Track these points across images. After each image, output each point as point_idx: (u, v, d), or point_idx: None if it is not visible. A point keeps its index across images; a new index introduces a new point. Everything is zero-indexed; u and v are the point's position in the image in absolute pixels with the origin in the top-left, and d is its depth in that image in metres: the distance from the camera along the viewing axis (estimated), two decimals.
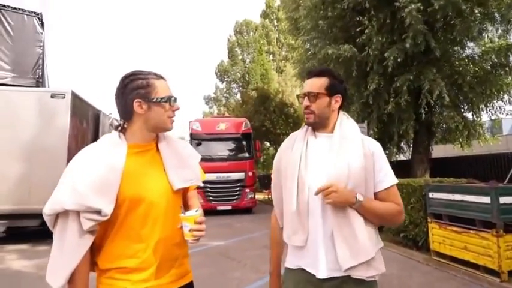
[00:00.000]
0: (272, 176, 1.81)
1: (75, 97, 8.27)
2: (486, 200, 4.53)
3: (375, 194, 1.57)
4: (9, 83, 9.12)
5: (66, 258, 1.27)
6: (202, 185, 1.68)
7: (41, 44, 10.47)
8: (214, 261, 6.26)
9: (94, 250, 1.39)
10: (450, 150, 13.05)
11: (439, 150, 12.44)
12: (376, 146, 1.62)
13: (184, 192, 1.61)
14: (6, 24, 9.87)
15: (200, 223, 1.40)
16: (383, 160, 1.61)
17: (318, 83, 1.63)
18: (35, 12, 10.63)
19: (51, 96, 7.92)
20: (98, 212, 1.28)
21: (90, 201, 1.27)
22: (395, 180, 1.60)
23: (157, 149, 1.50)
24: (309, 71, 1.73)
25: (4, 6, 9.94)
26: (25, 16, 10.42)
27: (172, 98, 1.47)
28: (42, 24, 10.68)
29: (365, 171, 1.53)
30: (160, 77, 1.49)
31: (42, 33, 10.60)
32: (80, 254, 1.28)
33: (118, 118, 1.51)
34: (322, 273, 1.50)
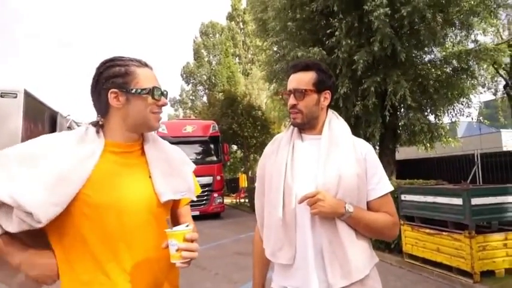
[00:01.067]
0: (256, 184, 1.61)
1: (28, 96, 7.60)
2: (458, 201, 4.56)
3: (367, 202, 1.40)
4: None
5: None
6: (195, 199, 1.39)
7: None
8: (182, 272, 5.82)
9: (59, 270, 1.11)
10: (411, 152, 13.48)
11: (400, 153, 12.80)
12: (368, 149, 1.46)
13: (173, 207, 1.33)
14: None
15: (191, 241, 1.11)
16: (376, 165, 1.44)
17: (305, 78, 1.44)
18: None
19: (1, 96, 7.20)
20: (31, 215, 1.00)
21: (24, 197, 0.98)
22: (390, 188, 1.44)
23: (143, 152, 1.24)
24: (293, 65, 1.51)
25: None
26: None
27: (157, 90, 1.20)
28: None
29: (357, 179, 1.36)
30: (144, 65, 1.23)
31: None
32: None
33: (77, 119, 1.24)
34: None
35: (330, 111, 1.52)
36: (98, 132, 1.18)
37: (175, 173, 1.28)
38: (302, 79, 1.44)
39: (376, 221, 1.37)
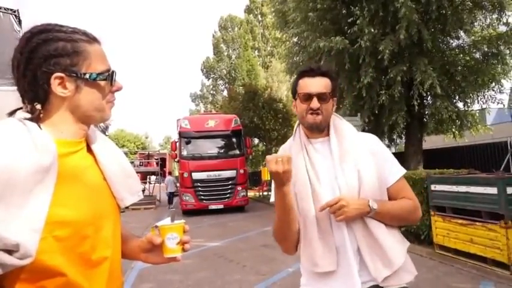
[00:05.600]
0: (272, 186, 1.56)
1: None
2: (493, 190, 4.41)
3: (387, 189, 1.42)
4: None
5: None
6: (142, 197, 1.26)
7: None
8: (211, 264, 6.03)
9: None
10: (437, 141, 13.10)
11: (427, 142, 12.50)
12: (374, 139, 1.51)
13: None
14: None
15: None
16: (385, 151, 1.48)
17: (325, 83, 1.48)
18: (11, 9, 10.10)
19: None
20: (9, 251, 0.73)
21: (4, 225, 0.73)
22: (403, 171, 1.45)
23: (88, 148, 1.01)
24: (309, 69, 1.52)
25: None
26: (0, 13, 9.91)
27: (115, 74, 0.98)
28: (19, 22, 10.15)
29: (375, 169, 1.39)
30: (94, 39, 0.96)
31: (19, 31, 10.07)
32: None
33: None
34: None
35: (333, 114, 1.55)
36: (40, 128, 0.87)
37: (128, 172, 1.07)
38: (323, 84, 1.47)
39: (400, 209, 1.40)
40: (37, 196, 0.78)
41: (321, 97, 1.45)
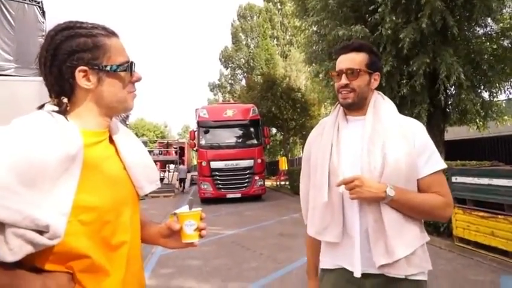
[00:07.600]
0: (302, 167, 1.65)
1: None
2: None
3: (418, 181, 1.37)
4: (12, 74, 8.94)
5: None
6: (160, 186, 1.29)
7: (43, 34, 10.19)
8: (229, 252, 6.14)
9: None
10: (460, 132, 12.72)
11: (449, 133, 12.20)
12: (417, 126, 1.43)
13: None
14: (7, 13, 9.60)
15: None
16: (426, 142, 1.40)
17: (357, 59, 1.44)
18: (35, 1, 10.36)
19: None
20: (40, 232, 0.78)
21: (35, 208, 0.78)
22: (441, 166, 1.38)
23: (110, 139, 1.07)
24: (344, 45, 1.51)
25: None
26: (25, 5, 10.14)
27: (134, 65, 1.03)
28: (43, 13, 10.42)
29: (405, 156, 1.33)
30: (112, 33, 1.01)
31: (43, 23, 10.34)
32: None
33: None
34: (357, 270, 1.36)
35: (376, 92, 1.52)
36: (67, 120, 0.93)
37: (146, 162, 1.13)
38: (355, 59, 1.44)
39: (423, 203, 1.34)
40: (64, 183, 0.84)
41: (350, 73, 1.43)
